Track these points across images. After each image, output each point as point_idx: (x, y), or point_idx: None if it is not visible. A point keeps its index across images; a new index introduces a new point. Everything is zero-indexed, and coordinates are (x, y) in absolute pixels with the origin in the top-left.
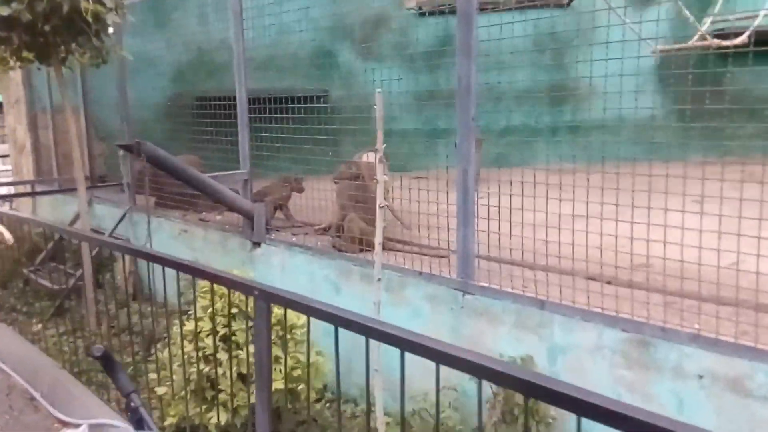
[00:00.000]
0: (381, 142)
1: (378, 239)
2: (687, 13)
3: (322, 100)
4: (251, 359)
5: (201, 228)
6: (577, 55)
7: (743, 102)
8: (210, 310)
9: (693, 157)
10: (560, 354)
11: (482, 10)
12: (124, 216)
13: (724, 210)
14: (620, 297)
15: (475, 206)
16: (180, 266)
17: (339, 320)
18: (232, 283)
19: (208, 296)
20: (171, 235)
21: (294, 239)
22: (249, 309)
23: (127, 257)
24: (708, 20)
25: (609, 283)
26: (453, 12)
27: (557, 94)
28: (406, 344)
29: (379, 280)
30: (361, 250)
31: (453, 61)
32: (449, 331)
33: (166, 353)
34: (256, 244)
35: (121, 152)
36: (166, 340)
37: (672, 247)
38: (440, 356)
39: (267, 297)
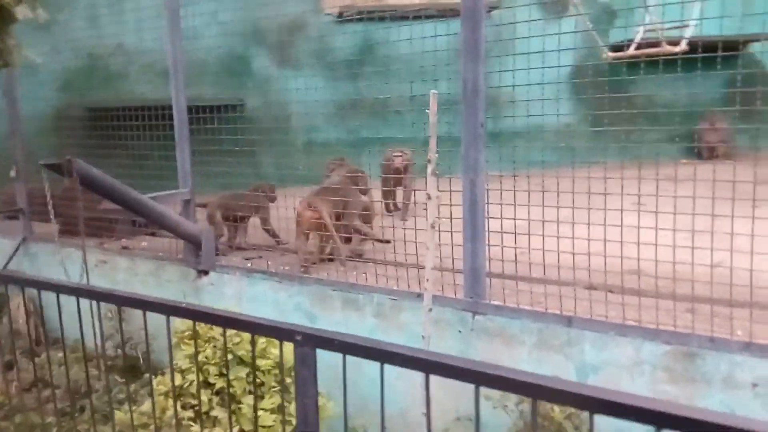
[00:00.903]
0: (434, 150)
1: (429, 266)
2: (590, 25)
3: (237, 110)
4: (260, 413)
5: (125, 257)
6: (494, 64)
7: (649, 108)
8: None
9: (610, 161)
10: (592, 373)
11: (403, 18)
12: (18, 248)
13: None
14: (648, 307)
15: (486, 219)
16: (169, 308)
17: (429, 365)
18: (256, 328)
19: (192, 341)
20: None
21: (250, 264)
22: (245, 351)
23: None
24: (641, 29)
25: (619, 292)
26: (374, 19)
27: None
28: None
29: (430, 310)
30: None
31: (375, 71)
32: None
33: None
34: (202, 273)
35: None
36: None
37: (684, 251)
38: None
39: (315, 341)
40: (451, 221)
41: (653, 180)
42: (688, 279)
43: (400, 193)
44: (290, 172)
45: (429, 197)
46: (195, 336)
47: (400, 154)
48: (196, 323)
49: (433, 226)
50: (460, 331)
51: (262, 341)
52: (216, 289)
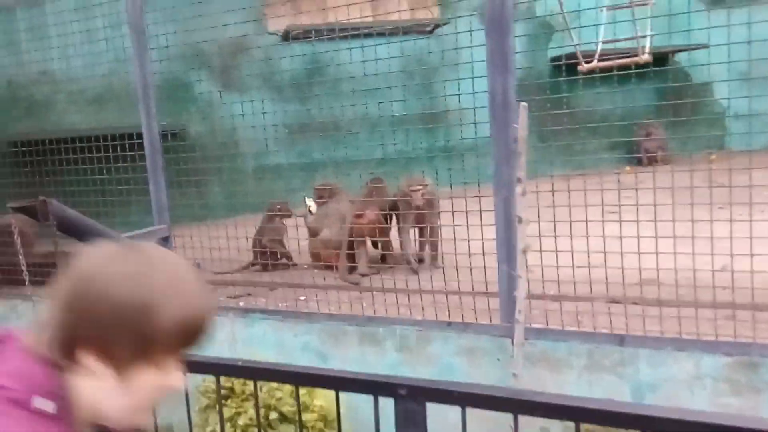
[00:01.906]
0: (524, 168)
1: (521, 295)
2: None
3: (177, 137)
4: None
5: None
6: (443, 82)
7: (590, 121)
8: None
9: (555, 172)
10: (649, 391)
11: (353, 37)
12: None
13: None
14: (701, 318)
15: (521, 239)
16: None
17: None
18: (342, 383)
19: (228, 401)
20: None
21: (242, 303)
22: (289, 407)
23: None
24: (600, 44)
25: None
26: (321, 38)
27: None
28: None
29: (526, 340)
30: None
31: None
32: None
33: None
34: None
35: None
36: None
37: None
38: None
39: (425, 394)
40: (482, 241)
41: (629, 188)
42: (724, 286)
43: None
44: (241, 199)
45: (520, 220)
46: (256, 397)
47: (419, 187)
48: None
49: (524, 252)
50: (498, 360)
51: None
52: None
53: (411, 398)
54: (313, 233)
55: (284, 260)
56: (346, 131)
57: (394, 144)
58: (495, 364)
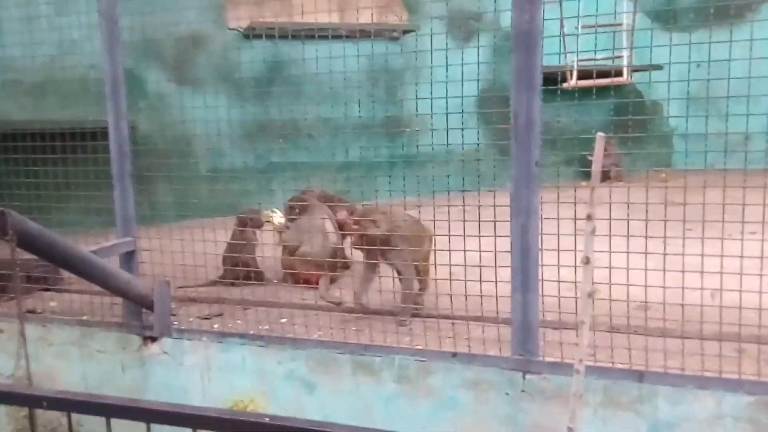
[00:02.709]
0: (594, 204)
1: (584, 342)
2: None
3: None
4: None
5: (31, 324)
6: (409, 89)
7: (547, 134)
8: None
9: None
10: (667, 430)
11: (319, 37)
12: None
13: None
14: (726, 355)
15: (539, 267)
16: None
17: None
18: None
19: None
20: None
21: (216, 326)
22: None
23: None
24: (575, 61)
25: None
26: (285, 36)
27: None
28: None
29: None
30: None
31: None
32: (502, 423)
33: None
34: (149, 339)
35: None
36: None
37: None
38: None
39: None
40: (494, 263)
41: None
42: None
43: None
44: (191, 203)
45: (587, 261)
46: None
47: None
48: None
49: (590, 295)
50: (507, 394)
51: None
52: (172, 360)
53: None
54: (291, 249)
55: (253, 276)
56: (306, 134)
57: (362, 148)
58: (503, 399)
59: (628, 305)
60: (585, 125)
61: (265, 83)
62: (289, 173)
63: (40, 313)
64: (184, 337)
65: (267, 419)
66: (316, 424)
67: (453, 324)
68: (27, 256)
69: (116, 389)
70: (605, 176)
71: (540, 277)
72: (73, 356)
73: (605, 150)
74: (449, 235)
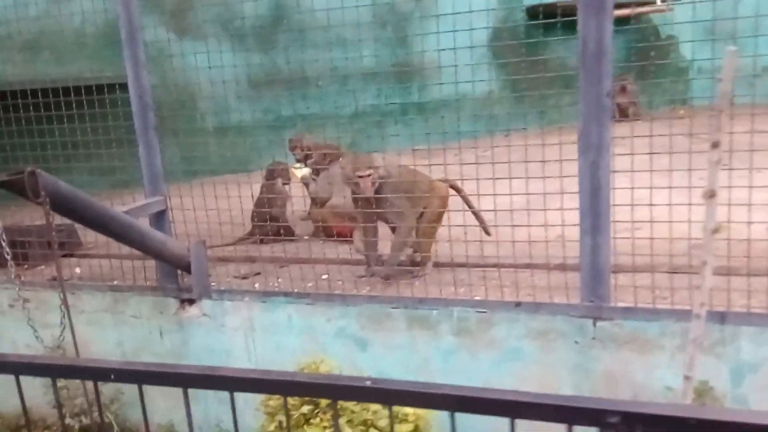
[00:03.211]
0: (723, 124)
1: (707, 283)
2: None
3: (126, 90)
4: None
5: (54, 291)
6: (417, 30)
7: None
8: None
9: (530, 126)
10: (750, 372)
11: None
12: None
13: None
14: None
15: (610, 207)
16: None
17: None
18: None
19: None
20: None
21: (257, 285)
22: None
23: None
24: None
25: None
26: None
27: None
28: None
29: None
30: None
31: (290, 38)
32: (572, 372)
33: None
34: (187, 302)
35: None
36: None
37: None
38: None
39: (646, 422)
40: (560, 209)
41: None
42: None
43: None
44: (200, 161)
45: (713, 194)
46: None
47: (367, 172)
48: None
49: (715, 232)
50: (576, 342)
51: None
52: (212, 322)
53: (628, 429)
54: (320, 203)
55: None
56: (315, 85)
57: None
58: (572, 348)
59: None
60: None
61: (269, 32)
62: (299, 127)
63: (67, 280)
64: (225, 297)
65: (368, 382)
66: (421, 385)
67: (516, 272)
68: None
69: (154, 355)
70: (623, 113)
71: (611, 218)
72: (106, 323)
73: (625, 88)
74: (510, 178)
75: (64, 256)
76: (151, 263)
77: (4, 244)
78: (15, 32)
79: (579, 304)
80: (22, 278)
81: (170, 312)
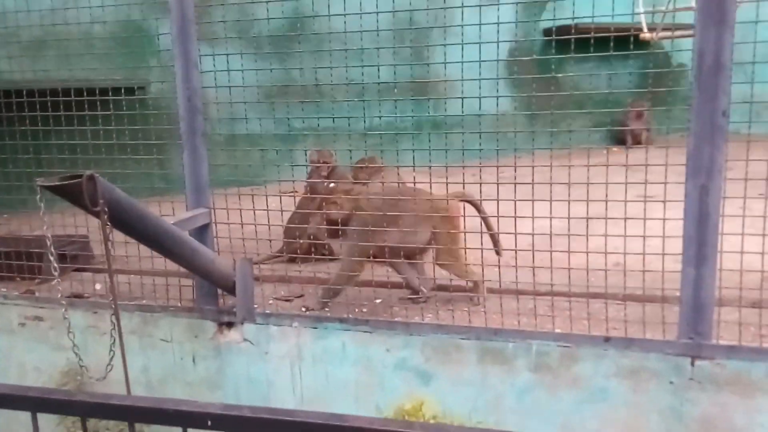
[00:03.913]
0: None
1: None
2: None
3: (136, 94)
4: None
5: (77, 310)
6: (434, 48)
7: (575, 96)
8: None
9: (537, 150)
10: None
11: None
12: None
13: None
14: None
15: (719, 236)
16: None
17: None
18: None
19: None
20: None
21: (304, 309)
22: None
23: None
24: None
25: None
26: None
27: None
28: None
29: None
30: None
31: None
32: (664, 416)
33: None
34: (225, 326)
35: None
36: None
37: None
38: None
39: None
40: (662, 238)
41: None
42: None
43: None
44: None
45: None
46: None
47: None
48: None
49: None
50: (671, 383)
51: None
52: (254, 348)
53: None
54: None
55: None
56: (330, 98)
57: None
58: (666, 389)
59: None
60: (612, 89)
61: (286, 41)
62: (311, 140)
63: (87, 297)
64: (270, 322)
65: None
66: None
67: (606, 304)
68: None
69: (185, 384)
70: (636, 140)
71: (719, 248)
72: (132, 346)
73: (641, 115)
74: (606, 200)
75: (77, 270)
76: (186, 281)
77: (52, 258)
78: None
79: (676, 341)
80: (37, 294)
81: (207, 336)
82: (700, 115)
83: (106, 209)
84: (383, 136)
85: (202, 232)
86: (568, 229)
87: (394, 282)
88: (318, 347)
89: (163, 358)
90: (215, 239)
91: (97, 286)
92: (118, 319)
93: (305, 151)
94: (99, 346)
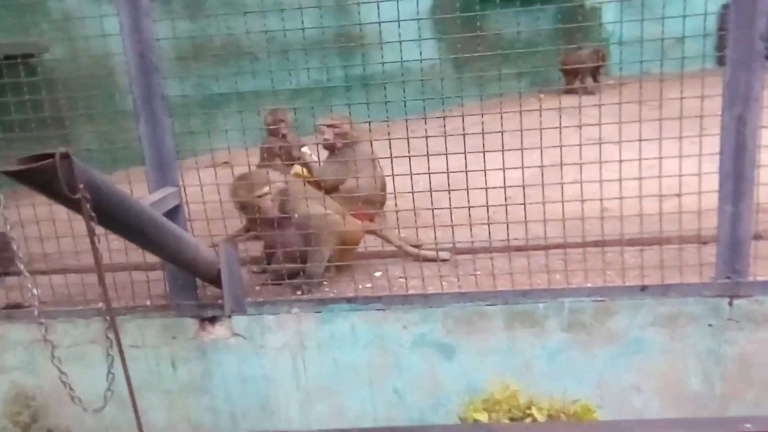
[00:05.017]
0: None
1: None
2: None
3: (32, 61)
4: None
5: (18, 323)
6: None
7: (499, 45)
8: None
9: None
10: None
11: None
12: None
13: None
14: None
15: (756, 169)
16: None
17: None
18: None
19: None
20: None
21: (300, 293)
22: None
23: None
24: None
25: None
26: None
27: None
28: None
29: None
30: None
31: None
32: (701, 360)
33: None
34: (207, 322)
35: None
36: None
37: None
38: None
39: None
40: (698, 176)
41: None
42: None
43: None
44: (122, 147)
45: None
46: None
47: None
48: None
49: None
50: (709, 326)
51: None
52: (246, 343)
53: None
54: (330, 187)
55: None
56: (250, 56)
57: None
58: (704, 332)
59: None
60: (533, 34)
61: None
62: (234, 104)
63: (26, 307)
64: (265, 311)
65: None
66: None
67: (642, 251)
68: None
69: (164, 393)
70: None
71: (756, 181)
72: (94, 358)
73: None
74: (619, 141)
75: (3, 275)
76: (154, 275)
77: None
78: None
79: (713, 282)
80: None
81: (187, 336)
82: (736, 41)
83: (88, 195)
84: (308, 95)
85: (172, 216)
86: (581, 177)
87: (388, 251)
88: (323, 333)
89: (135, 368)
90: (189, 223)
91: (35, 291)
92: (116, 333)
93: (258, 111)
94: (50, 365)
